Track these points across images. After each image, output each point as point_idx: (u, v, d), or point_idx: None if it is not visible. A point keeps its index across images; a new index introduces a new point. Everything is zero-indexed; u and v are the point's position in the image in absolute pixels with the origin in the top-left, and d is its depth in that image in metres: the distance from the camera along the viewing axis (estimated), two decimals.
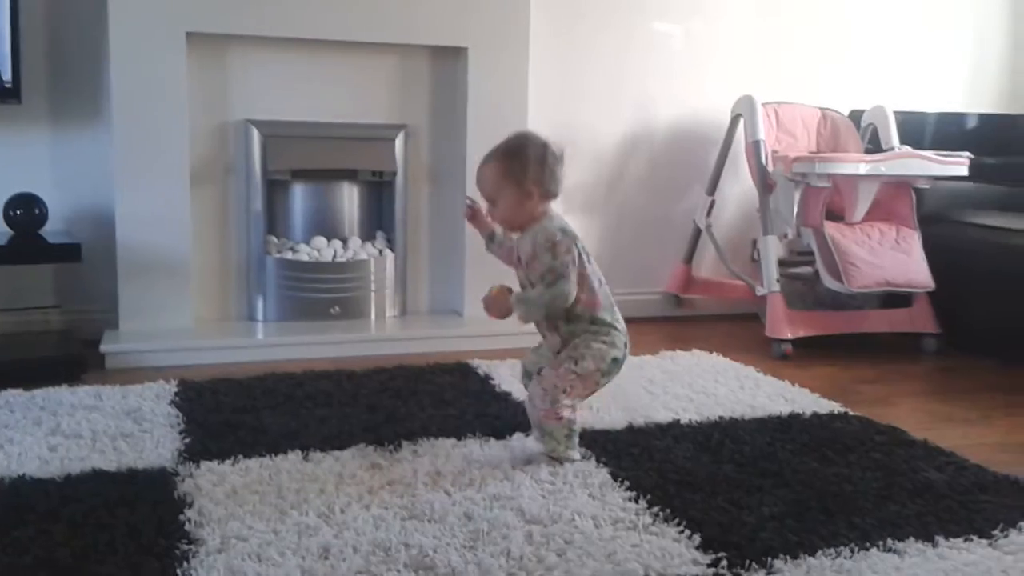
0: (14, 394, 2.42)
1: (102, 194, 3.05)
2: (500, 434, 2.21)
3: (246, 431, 2.18)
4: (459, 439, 2.17)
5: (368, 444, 2.12)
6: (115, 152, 2.96)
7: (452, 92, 3.38)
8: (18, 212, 2.84)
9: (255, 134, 3.17)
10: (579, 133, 3.64)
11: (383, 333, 3.23)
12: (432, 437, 2.18)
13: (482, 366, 2.82)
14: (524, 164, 2.00)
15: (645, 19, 3.68)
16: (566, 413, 2.03)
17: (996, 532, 1.77)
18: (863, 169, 3.22)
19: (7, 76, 2.77)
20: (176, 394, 2.46)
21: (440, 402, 2.46)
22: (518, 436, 2.20)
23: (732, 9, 3.77)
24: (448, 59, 3.36)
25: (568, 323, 2.03)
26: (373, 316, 3.33)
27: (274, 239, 3.29)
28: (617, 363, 2.07)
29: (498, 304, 2.00)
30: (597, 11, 3.61)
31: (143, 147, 2.96)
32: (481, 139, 3.33)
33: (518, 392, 2.56)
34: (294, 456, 2.03)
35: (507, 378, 2.70)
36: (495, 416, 2.36)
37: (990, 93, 4.19)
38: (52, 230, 2.91)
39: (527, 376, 2.16)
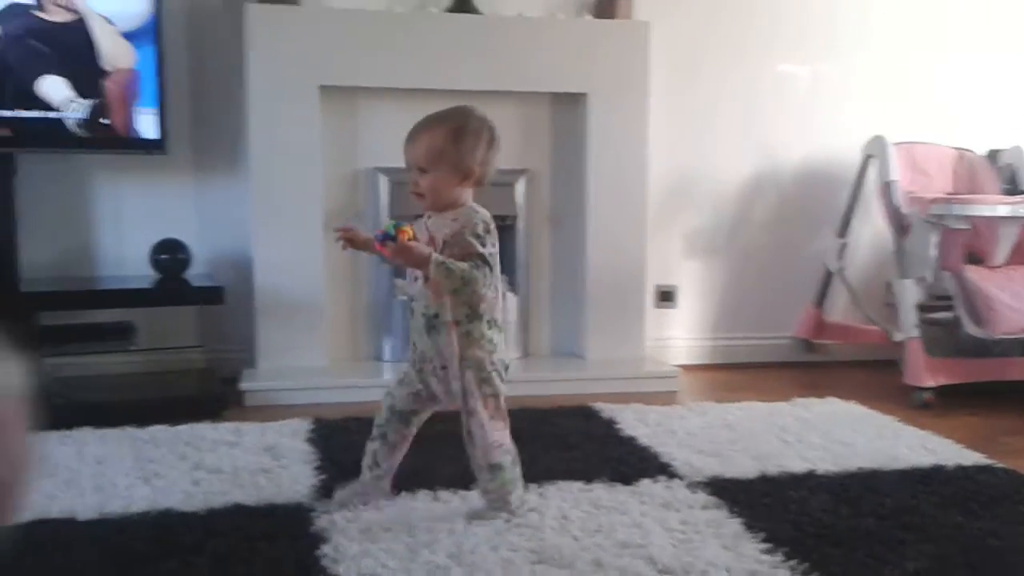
0: (160, 429, 2.54)
1: (241, 239, 3.20)
2: (627, 479, 2.18)
3: None
4: (585, 483, 2.16)
5: None
6: (253, 200, 3.10)
7: (572, 136, 3.41)
8: (164, 257, 3.00)
9: (383, 181, 3.27)
10: (701, 175, 3.62)
11: (507, 374, 3.24)
12: (558, 480, 2.17)
13: (605, 409, 2.80)
14: (474, 142, 1.84)
15: (770, 61, 3.64)
16: (508, 441, 1.94)
17: None
18: (1003, 211, 3.08)
19: (156, 131, 2.94)
20: (311, 431, 2.54)
21: (564, 445, 2.45)
22: (645, 482, 2.16)
23: (863, 50, 3.69)
24: (568, 104, 3.40)
25: (469, 321, 1.87)
26: None
27: (400, 281, 3.37)
28: (505, 365, 2.00)
29: (412, 254, 1.77)
30: (719, 54, 3.59)
31: (279, 195, 3.10)
32: (602, 182, 3.36)
33: (643, 437, 2.53)
34: (423, 495, 2.06)
35: (631, 422, 2.67)
36: (620, 461, 2.33)
37: None
38: (195, 273, 3.06)
39: (399, 419, 1.98)
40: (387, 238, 1.77)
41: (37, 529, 1.85)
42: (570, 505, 2.02)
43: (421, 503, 2.02)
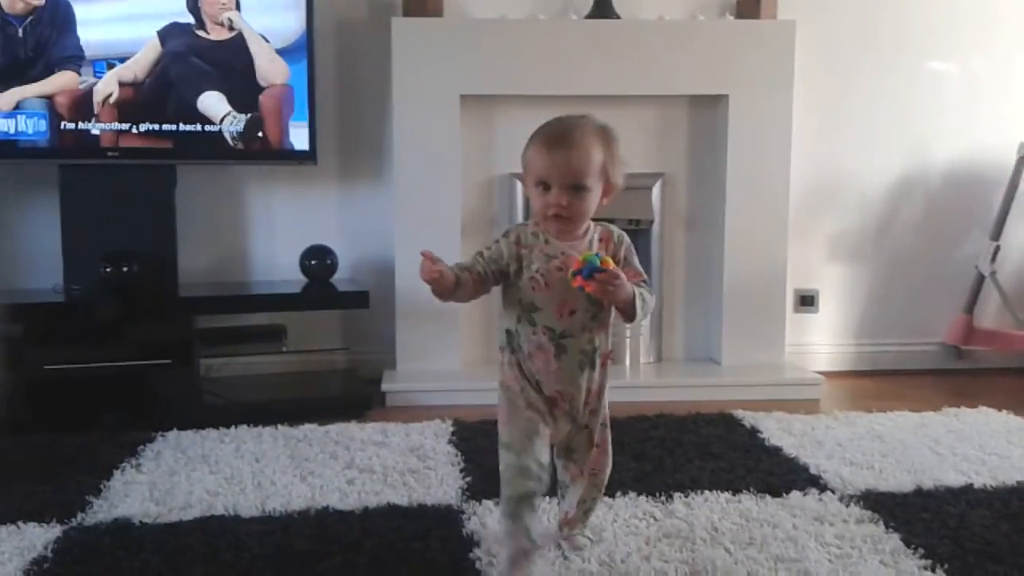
0: (310, 428, 2.64)
1: (383, 245, 3.30)
2: (776, 491, 2.14)
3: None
4: (733, 494, 2.13)
5: (639, 493, 2.12)
6: (395, 206, 3.19)
7: (711, 139, 3.37)
8: (313, 262, 3.12)
9: (519, 187, 3.31)
10: (845, 176, 3.51)
11: (639, 380, 3.25)
12: (704, 490, 2.15)
13: (747, 417, 2.76)
14: (617, 153, 1.65)
15: (921, 58, 3.50)
16: None
17: None
18: None
19: (307, 143, 3.06)
20: (453, 433, 2.59)
21: (707, 454, 2.43)
22: (796, 494, 2.12)
23: (1015, 47, 3.50)
24: (707, 106, 3.36)
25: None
26: (628, 363, 3.36)
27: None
28: None
29: (626, 288, 1.57)
30: (866, 52, 3.47)
31: (420, 201, 3.17)
32: (741, 184, 3.31)
33: (789, 447, 2.48)
34: None
35: (775, 431, 2.62)
36: (768, 472, 2.29)
37: None
38: (340, 278, 3.18)
39: (561, 456, 1.78)
40: (594, 271, 1.54)
41: (205, 524, 1.96)
42: (719, 516, 2.00)
43: None
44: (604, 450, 1.79)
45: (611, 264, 1.56)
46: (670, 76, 3.24)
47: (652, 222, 3.38)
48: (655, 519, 1.99)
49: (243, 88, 3.01)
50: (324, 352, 3.27)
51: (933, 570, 1.74)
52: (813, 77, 3.39)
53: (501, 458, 1.66)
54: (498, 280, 1.67)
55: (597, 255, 1.56)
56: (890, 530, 1.92)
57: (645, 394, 3.12)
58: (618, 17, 3.27)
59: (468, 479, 2.22)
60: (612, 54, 3.21)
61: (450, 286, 1.61)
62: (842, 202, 3.53)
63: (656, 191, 3.39)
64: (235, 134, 3.02)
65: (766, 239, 3.32)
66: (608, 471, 1.81)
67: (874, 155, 3.51)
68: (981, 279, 3.43)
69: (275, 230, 3.33)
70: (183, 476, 2.26)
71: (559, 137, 1.63)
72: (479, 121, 3.29)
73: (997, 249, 3.38)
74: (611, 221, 3.32)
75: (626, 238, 1.73)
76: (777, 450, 2.46)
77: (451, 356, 3.23)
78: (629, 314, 1.64)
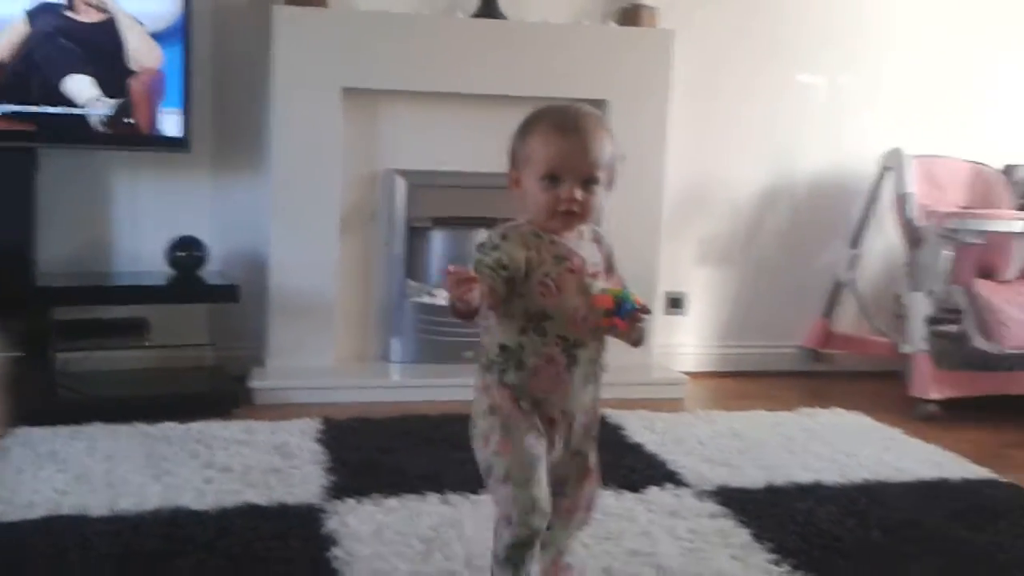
0: (171, 427, 2.55)
1: (257, 238, 3.22)
2: (634, 487, 2.20)
3: (387, 471, 2.24)
4: None
5: None
6: (272, 199, 3.12)
7: None
8: (180, 254, 3.02)
9: (400, 182, 3.28)
10: (716, 183, 3.63)
11: None
12: None
13: (612, 415, 2.81)
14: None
15: (792, 71, 3.64)
16: None
17: None
18: (1018, 227, 3.09)
19: (180, 130, 2.96)
20: (320, 431, 2.56)
21: None
22: (653, 490, 2.18)
23: (883, 63, 3.69)
24: None
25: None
26: None
27: (412, 283, 3.39)
28: None
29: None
30: (740, 63, 3.59)
31: (299, 195, 3.11)
32: (618, 188, 3.36)
33: (650, 444, 2.55)
34: (433, 498, 2.08)
35: (638, 429, 2.69)
36: (629, 468, 2.34)
37: None
38: (209, 271, 3.08)
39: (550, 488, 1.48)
40: (630, 310, 1.43)
41: (50, 524, 1.88)
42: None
43: (431, 506, 2.04)
44: (598, 476, 1.61)
45: (641, 301, 1.45)
46: (552, 79, 3.28)
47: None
48: None
49: (113, 72, 2.88)
50: (190, 347, 3.16)
51: (779, 564, 1.82)
52: (690, 86, 3.48)
53: (500, 496, 1.43)
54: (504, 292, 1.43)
55: (627, 291, 1.45)
56: (741, 525, 2.00)
57: None
58: (504, 17, 3.28)
59: (332, 477, 2.20)
60: (496, 54, 3.22)
61: (478, 305, 1.35)
62: (713, 208, 3.65)
63: None
64: (103, 118, 2.89)
65: (640, 242, 3.39)
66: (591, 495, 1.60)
67: (744, 164, 3.64)
68: (839, 286, 3.59)
69: (142, 220, 3.21)
70: (30, 474, 2.16)
71: (573, 123, 1.47)
72: (361, 115, 3.24)
73: (855, 257, 3.55)
74: (493, 220, 3.41)
75: (608, 240, 1.61)
76: (638, 447, 2.53)
77: (324, 353, 3.18)
78: (637, 339, 1.50)
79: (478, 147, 3.38)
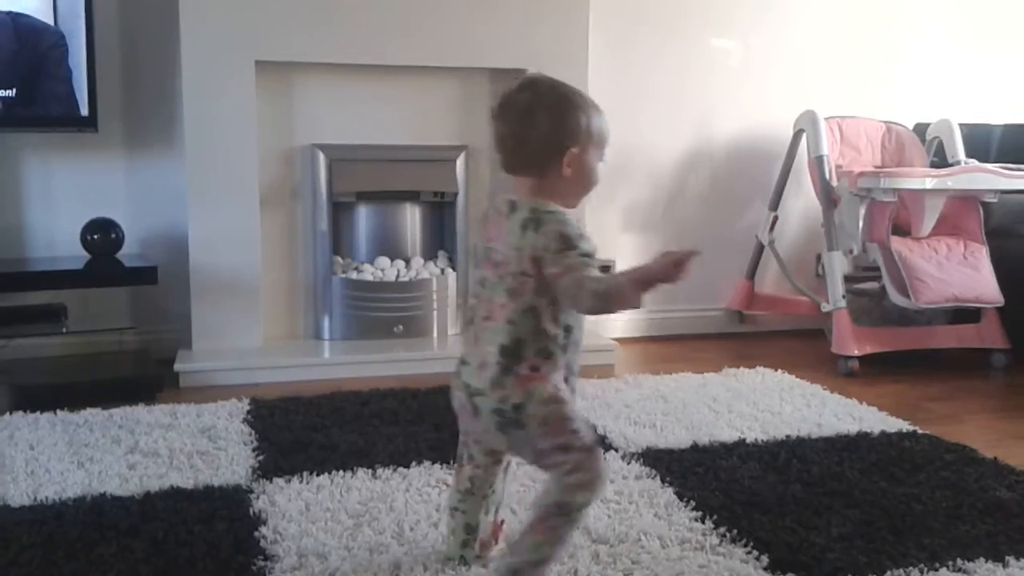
0: (93, 413, 2.50)
1: (175, 217, 3.15)
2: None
3: (316, 449, 2.23)
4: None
5: (435, 462, 2.15)
6: (187, 177, 3.05)
7: None
8: (95, 237, 2.95)
9: (321, 157, 3.24)
10: (637, 150, 3.66)
11: (446, 351, 3.27)
12: None
13: None
14: None
15: (704, 36, 3.69)
16: None
17: None
18: (930, 184, 3.18)
19: (84, 108, 2.87)
20: (248, 412, 2.53)
21: None
22: None
23: (794, 24, 3.75)
24: (508, 80, 3.37)
25: None
26: (436, 334, 3.38)
27: (339, 259, 3.36)
28: None
29: None
30: (655, 29, 3.62)
31: (214, 172, 3.05)
32: None
33: (580, 410, 2.57)
34: (363, 473, 2.08)
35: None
36: None
37: None
38: (128, 253, 3.02)
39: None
40: None
41: None
42: (509, 479, 2.05)
43: (360, 481, 2.04)
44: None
45: None
46: (470, 49, 3.26)
47: (456, 194, 3.40)
48: (447, 486, 2.02)
49: (14, 51, 2.78)
50: (111, 332, 3.10)
51: (703, 521, 1.86)
52: (607, 53, 3.50)
53: (582, 464, 1.48)
54: None
55: None
56: (666, 484, 2.04)
57: (451, 365, 3.10)
58: None
59: (260, 458, 2.18)
60: (413, 25, 3.18)
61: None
62: (635, 175, 3.68)
63: (460, 163, 3.41)
64: (4, 99, 2.79)
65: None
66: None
67: (664, 130, 3.67)
68: (761, 247, 3.67)
69: (56, 203, 3.11)
70: None
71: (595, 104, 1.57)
72: (278, 89, 3.19)
73: (775, 219, 3.62)
74: (417, 193, 3.40)
75: None
76: None
77: (251, 333, 3.13)
78: None
79: (400, 120, 3.36)
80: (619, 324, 3.69)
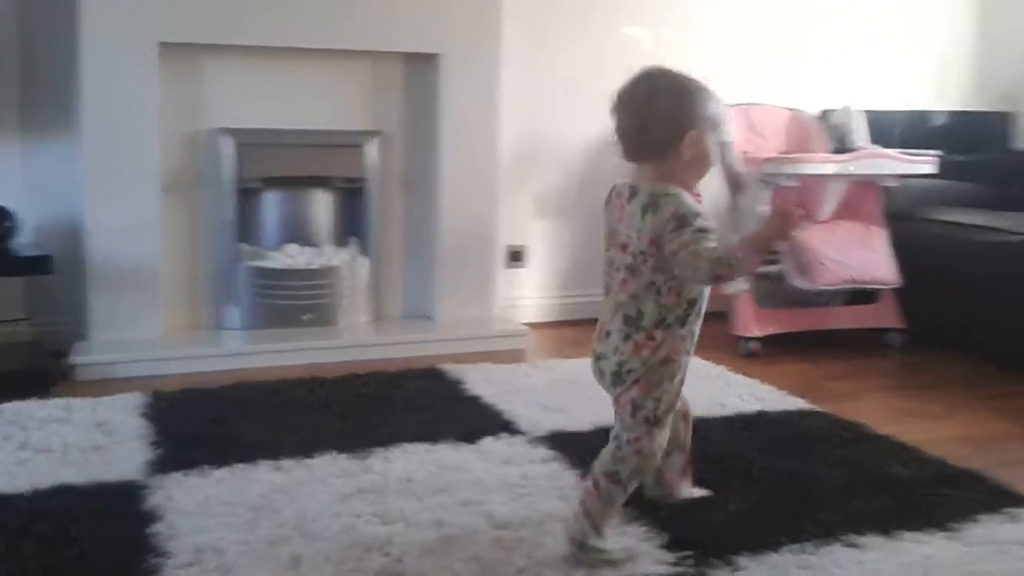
0: None
1: (73, 206, 3.04)
2: (471, 439, 2.22)
3: (217, 441, 2.18)
4: (431, 444, 2.19)
5: (340, 452, 2.13)
6: (86, 163, 2.94)
7: (425, 98, 3.39)
8: None
9: (228, 142, 3.16)
10: (551, 138, 3.66)
11: (355, 339, 3.24)
12: (404, 443, 2.19)
13: (453, 370, 2.83)
14: None
15: (615, 24, 3.70)
16: None
17: (954, 524, 1.81)
18: (831, 169, 3.26)
19: None
20: (146, 405, 2.45)
21: (412, 408, 2.47)
22: (488, 440, 2.21)
23: (701, 12, 3.80)
24: (421, 65, 3.37)
25: None
26: (346, 322, 3.34)
27: (246, 247, 3.29)
28: None
29: None
30: (567, 17, 3.63)
31: (114, 157, 2.95)
32: (454, 144, 3.36)
33: (488, 396, 2.58)
34: (265, 466, 2.04)
35: (478, 382, 2.71)
36: (467, 420, 2.37)
37: (958, 91, 4.24)
38: (22, 242, 2.89)
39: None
40: None
41: None
42: (415, 467, 2.05)
43: (262, 474, 2.00)
44: None
45: None
46: (382, 32, 3.22)
47: (367, 180, 3.36)
48: (352, 475, 2.00)
49: None
50: (3, 324, 2.97)
51: None
52: (520, 40, 3.49)
53: (642, 433, 1.65)
54: None
55: None
56: (570, 467, 2.06)
57: (362, 353, 3.12)
58: None
59: (157, 452, 2.12)
60: (326, 6, 3.12)
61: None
62: (548, 162, 3.69)
63: (372, 149, 3.37)
64: None
65: (478, 197, 3.41)
66: None
67: (576, 117, 3.67)
68: None
69: None
70: None
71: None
72: (183, 71, 3.09)
73: None
74: (327, 179, 3.35)
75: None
76: (477, 399, 2.56)
77: (151, 324, 3.04)
78: None
79: (311, 104, 3.30)
80: (531, 309, 3.70)
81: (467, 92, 3.34)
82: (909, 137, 3.82)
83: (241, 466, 2.03)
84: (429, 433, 2.26)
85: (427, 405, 2.50)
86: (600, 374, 1.70)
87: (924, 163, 3.30)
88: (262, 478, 1.97)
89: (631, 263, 1.63)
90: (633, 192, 1.65)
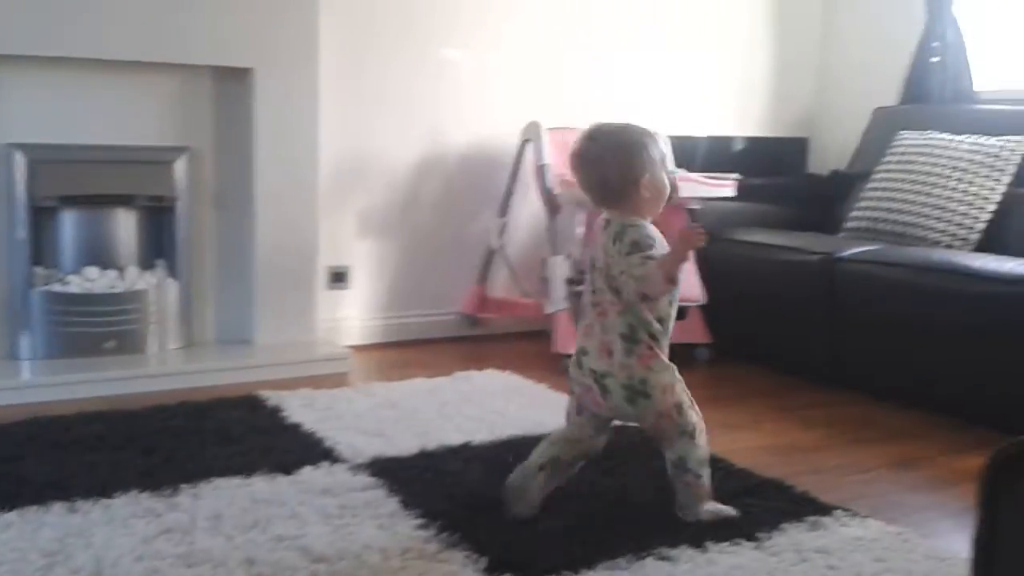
0: None
1: None
2: (288, 469, 2.15)
3: (5, 482, 2.01)
4: (246, 478, 2.10)
5: (143, 490, 2.00)
6: None
7: (239, 113, 3.28)
8: None
9: (19, 158, 2.95)
10: (372, 157, 3.63)
11: (164, 367, 3.07)
12: (215, 478, 2.09)
13: (272, 397, 2.74)
14: None
15: (433, 45, 3.71)
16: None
17: (761, 534, 1.89)
18: None
19: None
20: None
21: (225, 439, 2.37)
22: (307, 470, 2.15)
23: (510, 37, 3.85)
24: (233, 80, 3.25)
25: None
26: (154, 350, 3.16)
27: (41, 270, 3.06)
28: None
29: None
30: (387, 36, 3.60)
31: None
32: (271, 161, 3.27)
33: (308, 423, 2.51)
34: (58, 507, 1.90)
35: (298, 409, 2.63)
36: (284, 450, 2.29)
37: (757, 117, 4.52)
38: None
39: None
40: None
41: None
42: (225, 503, 1.96)
43: (55, 516, 1.86)
44: None
45: None
46: (190, 45, 3.09)
47: (175, 199, 3.21)
48: (156, 515, 1.89)
49: None
50: None
51: (426, 528, 1.86)
52: (340, 57, 3.44)
53: (695, 423, 1.93)
54: None
55: None
56: (392, 494, 2.02)
57: (171, 382, 2.97)
58: None
59: None
60: (129, 16, 2.97)
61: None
62: (370, 182, 3.65)
63: (181, 166, 3.22)
64: None
65: (297, 217, 3.32)
66: None
67: (397, 137, 3.66)
68: (491, 253, 3.76)
69: None
70: None
71: None
72: None
73: (504, 225, 3.72)
74: (131, 197, 3.17)
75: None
76: (296, 427, 2.48)
77: None
78: None
79: (113, 118, 3.13)
80: (354, 331, 3.64)
81: (284, 108, 3.26)
82: (712, 161, 4.04)
83: (32, 509, 1.88)
84: (242, 465, 2.16)
85: (242, 436, 2.40)
86: (602, 391, 1.88)
87: (726, 186, 3.49)
88: (55, 521, 1.83)
89: (614, 286, 1.86)
90: (607, 224, 1.92)
